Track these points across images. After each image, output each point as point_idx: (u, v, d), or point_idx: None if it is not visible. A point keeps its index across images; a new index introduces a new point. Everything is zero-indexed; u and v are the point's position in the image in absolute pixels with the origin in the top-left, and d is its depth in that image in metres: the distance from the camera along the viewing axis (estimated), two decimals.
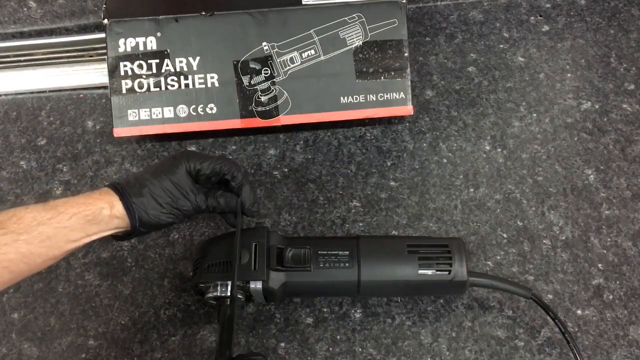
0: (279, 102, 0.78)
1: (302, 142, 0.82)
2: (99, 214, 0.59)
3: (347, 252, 0.66)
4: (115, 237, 0.64)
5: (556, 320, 0.65)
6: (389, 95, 0.79)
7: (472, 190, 0.77)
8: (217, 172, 0.65)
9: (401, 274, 0.65)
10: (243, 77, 0.78)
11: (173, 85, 0.78)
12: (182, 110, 0.78)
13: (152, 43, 0.77)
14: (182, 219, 0.65)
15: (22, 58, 0.89)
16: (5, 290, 0.73)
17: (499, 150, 0.80)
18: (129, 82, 0.78)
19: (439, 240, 0.69)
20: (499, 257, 0.73)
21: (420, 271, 0.65)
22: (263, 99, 0.78)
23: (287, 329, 0.69)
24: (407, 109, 0.79)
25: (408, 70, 0.79)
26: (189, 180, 0.64)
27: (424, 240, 0.70)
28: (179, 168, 0.63)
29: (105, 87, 0.84)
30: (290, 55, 0.78)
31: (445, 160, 0.80)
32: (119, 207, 0.60)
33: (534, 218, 0.75)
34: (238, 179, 0.66)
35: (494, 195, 0.77)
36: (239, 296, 0.64)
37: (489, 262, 0.73)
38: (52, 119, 0.84)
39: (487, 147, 0.80)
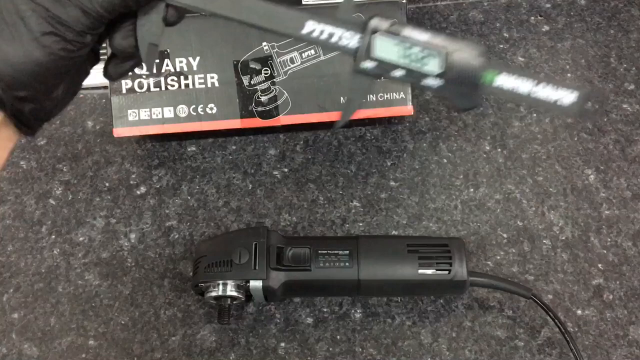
0: (279, 102, 0.78)
1: (302, 142, 0.82)
2: None
3: (347, 252, 0.66)
4: (25, 134, 0.44)
5: (556, 321, 0.65)
6: (389, 95, 0.79)
7: (472, 190, 0.77)
8: None
9: (401, 273, 0.65)
10: (243, 77, 0.78)
11: (173, 85, 0.78)
12: (182, 110, 0.78)
13: None
14: (79, 47, 0.39)
15: None
16: (5, 290, 0.73)
17: (499, 150, 0.80)
18: (129, 82, 0.77)
19: (439, 240, 0.69)
20: (499, 257, 0.73)
21: (420, 271, 0.65)
22: (263, 99, 0.78)
23: (287, 329, 0.69)
24: (408, 109, 0.79)
25: None
26: None
27: (424, 240, 0.70)
28: None
29: (105, 87, 0.84)
30: (290, 55, 0.78)
31: (445, 160, 0.80)
32: None
33: (534, 218, 0.75)
34: None
35: (494, 195, 0.77)
36: (239, 295, 0.64)
37: (489, 262, 0.73)
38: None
39: (487, 147, 0.80)
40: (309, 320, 0.70)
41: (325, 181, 0.78)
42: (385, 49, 0.43)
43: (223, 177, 0.79)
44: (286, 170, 0.80)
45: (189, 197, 0.78)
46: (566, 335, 0.64)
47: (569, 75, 0.85)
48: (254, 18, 0.45)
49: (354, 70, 0.45)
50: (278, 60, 0.78)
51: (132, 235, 0.75)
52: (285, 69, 0.78)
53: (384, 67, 0.44)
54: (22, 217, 0.77)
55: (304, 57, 0.78)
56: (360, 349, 0.68)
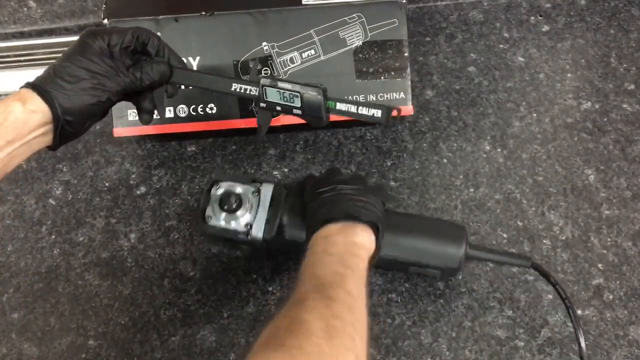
0: None
1: (302, 142, 0.82)
2: (10, 115, 0.56)
3: None
4: (50, 147, 0.61)
5: (557, 287, 0.65)
6: (389, 95, 0.79)
7: (472, 190, 0.77)
8: (130, 40, 0.63)
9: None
10: (243, 77, 0.78)
11: None
12: (182, 110, 0.78)
13: None
14: (110, 101, 0.63)
15: (22, 58, 0.89)
16: (5, 290, 0.73)
17: (499, 150, 0.80)
18: None
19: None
20: None
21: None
22: None
23: None
24: (407, 109, 0.79)
25: (408, 70, 0.79)
26: (104, 56, 0.62)
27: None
28: (90, 46, 0.61)
29: None
30: (290, 55, 0.78)
31: (445, 160, 0.80)
32: (33, 99, 0.57)
33: (534, 218, 0.75)
34: (155, 42, 0.65)
35: (494, 195, 0.77)
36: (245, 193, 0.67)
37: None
38: None
39: (487, 147, 0.80)
40: None
41: None
42: (270, 95, 0.68)
43: None
44: (286, 170, 0.79)
45: (189, 197, 0.78)
46: (566, 301, 0.64)
47: (569, 75, 0.85)
48: (207, 85, 0.70)
49: (257, 107, 0.71)
50: (278, 60, 0.78)
51: (132, 235, 0.75)
52: (285, 69, 0.78)
53: (271, 105, 0.68)
54: (22, 217, 0.77)
55: (304, 57, 0.78)
56: None
